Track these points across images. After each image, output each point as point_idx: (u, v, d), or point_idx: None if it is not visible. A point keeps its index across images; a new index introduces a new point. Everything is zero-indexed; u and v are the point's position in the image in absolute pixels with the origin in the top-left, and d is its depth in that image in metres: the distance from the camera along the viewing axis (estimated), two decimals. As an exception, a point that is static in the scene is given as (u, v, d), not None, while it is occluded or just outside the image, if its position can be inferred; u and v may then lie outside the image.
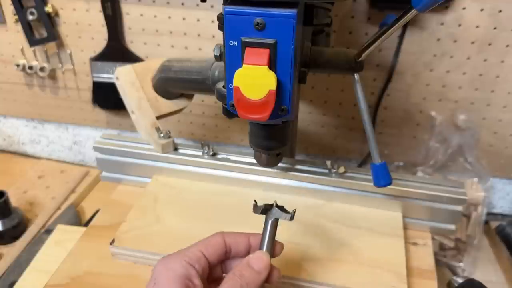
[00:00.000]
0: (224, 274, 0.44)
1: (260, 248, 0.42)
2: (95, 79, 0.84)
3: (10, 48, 0.85)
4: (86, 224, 0.72)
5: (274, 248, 0.43)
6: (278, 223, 0.43)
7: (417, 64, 0.70)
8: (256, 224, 0.43)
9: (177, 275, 0.38)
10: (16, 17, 0.78)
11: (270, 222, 0.42)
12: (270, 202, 0.43)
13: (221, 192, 0.65)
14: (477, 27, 0.65)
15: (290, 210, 0.43)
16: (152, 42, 0.78)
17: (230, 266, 0.44)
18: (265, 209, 0.43)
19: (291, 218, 0.42)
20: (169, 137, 0.66)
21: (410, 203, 0.61)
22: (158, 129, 0.66)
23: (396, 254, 0.56)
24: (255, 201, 0.43)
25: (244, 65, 0.36)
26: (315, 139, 0.82)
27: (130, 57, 0.80)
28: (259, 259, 0.40)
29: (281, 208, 0.43)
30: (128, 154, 0.68)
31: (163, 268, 0.39)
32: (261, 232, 0.43)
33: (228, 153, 0.67)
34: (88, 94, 0.87)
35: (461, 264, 0.69)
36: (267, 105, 0.37)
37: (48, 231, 0.72)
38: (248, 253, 0.43)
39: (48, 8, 0.77)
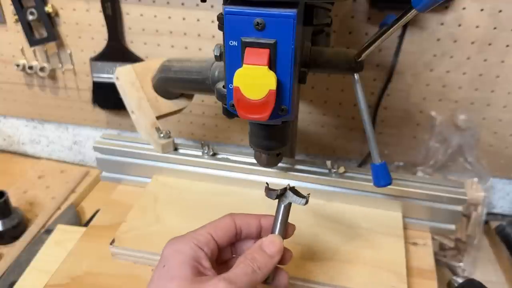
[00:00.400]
0: (233, 255, 0.44)
1: (273, 231, 0.41)
2: (95, 79, 0.84)
3: (10, 48, 0.85)
4: (86, 224, 0.72)
5: (286, 231, 0.42)
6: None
7: (417, 64, 0.70)
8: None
9: (186, 257, 0.37)
10: (16, 17, 0.78)
11: (283, 206, 0.42)
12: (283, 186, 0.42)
13: (221, 192, 0.65)
14: (477, 27, 0.65)
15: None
16: (152, 42, 0.78)
17: (240, 248, 0.44)
18: (280, 195, 0.42)
19: (306, 203, 0.41)
20: (169, 137, 0.66)
21: (410, 203, 0.61)
22: (158, 129, 0.66)
23: (396, 254, 0.56)
24: (267, 183, 0.42)
25: (244, 65, 0.36)
26: (315, 139, 0.82)
27: (130, 57, 0.80)
28: (272, 243, 0.39)
29: (294, 191, 0.42)
30: (128, 154, 0.68)
31: (172, 250, 0.39)
32: (272, 214, 0.42)
33: (228, 153, 0.66)
34: (88, 94, 0.87)
35: (461, 264, 0.69)
36: (267, 105, 0.37)
37: (48, 231, 0.72)
38: (259, 234, 0.43)
39: (48, 8, 0.77)
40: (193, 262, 0.37)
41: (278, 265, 0.40)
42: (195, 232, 0.40)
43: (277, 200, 0.42)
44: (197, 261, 0.38)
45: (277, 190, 0.42)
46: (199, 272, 0.37)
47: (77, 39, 0.81)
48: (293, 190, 0.42)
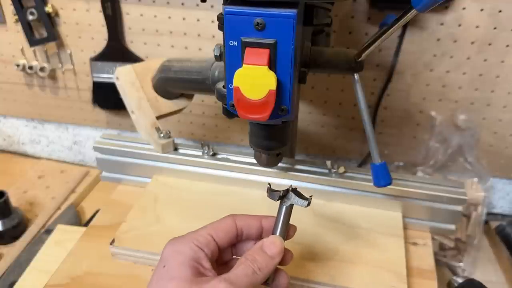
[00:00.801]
0: (234, 256, 0.44)
1: (273, 232, 0.41)
2: (95, 79, 0.84)
3: (10, 48, 0.85)
4: (86, 224, 0.72)
5: (287, 232, 0.42)
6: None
7: (417, 64, 0.70)
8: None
9: (186, 257, 0.37)
10: (16, 17, 0.78)
11: (285, 207, 0.41)
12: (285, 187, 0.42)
13: (221, 192, 0.66)
14: (477, 27, 0.65)
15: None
16: (152, 42, 0.78)
17: (241, 248, 0.43)
18: (282, 196, 0.41)
19: (308, 205, 0.41)
20: (169, 137, 0.66)
21: (410, 203, 0.61)
22: (158, 129, 0.66)
23: (396, 254, 0.56)
24: (269, 184, 0.42)
25: (244, 65, 0.36)
26: (315, 139, 0.82)
27: (130, 57, 0.80)
28: (273, 244, 0.39)
29: (297, 192, 0.42)
30: (128, 154, 0.68)
31: (171, 251, 0.39)
32: (273, 215, 0.42)
33: (228, 153, 0.67)
34: (88, 94, 0.87)
35: (461, 264, 0.69)
36: (267, 105, 0.37)
37: (48, 231, 0.72)
38: (260, 235, 0.43)
39: (48, 8, 0.77)
40: (193, 262, 0.37)
41: (278, 266, 0.40)
42: (196, 232, 0.40)
43: (278, 201, 0.42)
44: (197, 262, 0.38)
45: (279, 191, 0.41)
46: (199, 273, 0.37)
47: (77, 39, 0.81)
48: (296, 191, 0.42)
